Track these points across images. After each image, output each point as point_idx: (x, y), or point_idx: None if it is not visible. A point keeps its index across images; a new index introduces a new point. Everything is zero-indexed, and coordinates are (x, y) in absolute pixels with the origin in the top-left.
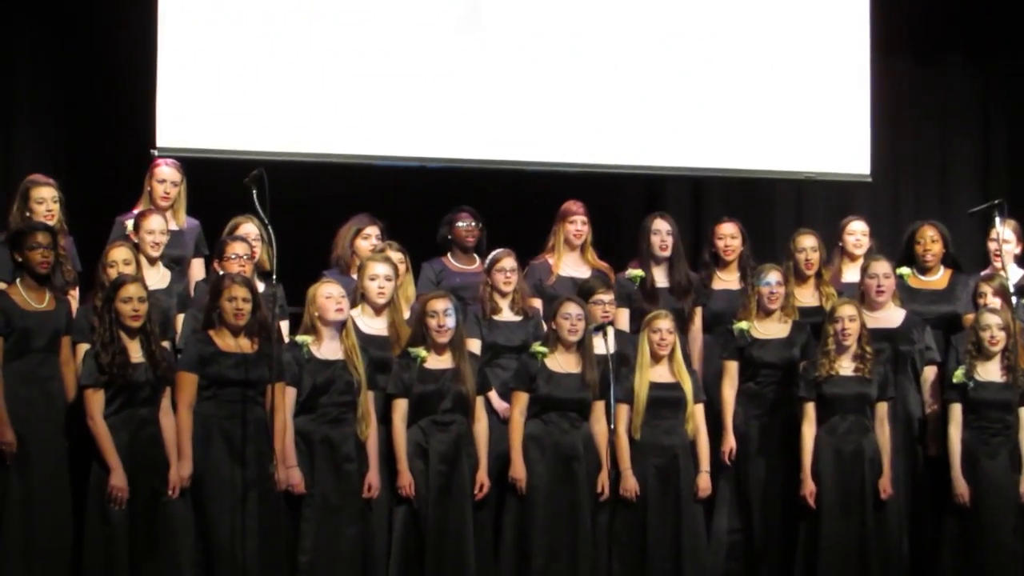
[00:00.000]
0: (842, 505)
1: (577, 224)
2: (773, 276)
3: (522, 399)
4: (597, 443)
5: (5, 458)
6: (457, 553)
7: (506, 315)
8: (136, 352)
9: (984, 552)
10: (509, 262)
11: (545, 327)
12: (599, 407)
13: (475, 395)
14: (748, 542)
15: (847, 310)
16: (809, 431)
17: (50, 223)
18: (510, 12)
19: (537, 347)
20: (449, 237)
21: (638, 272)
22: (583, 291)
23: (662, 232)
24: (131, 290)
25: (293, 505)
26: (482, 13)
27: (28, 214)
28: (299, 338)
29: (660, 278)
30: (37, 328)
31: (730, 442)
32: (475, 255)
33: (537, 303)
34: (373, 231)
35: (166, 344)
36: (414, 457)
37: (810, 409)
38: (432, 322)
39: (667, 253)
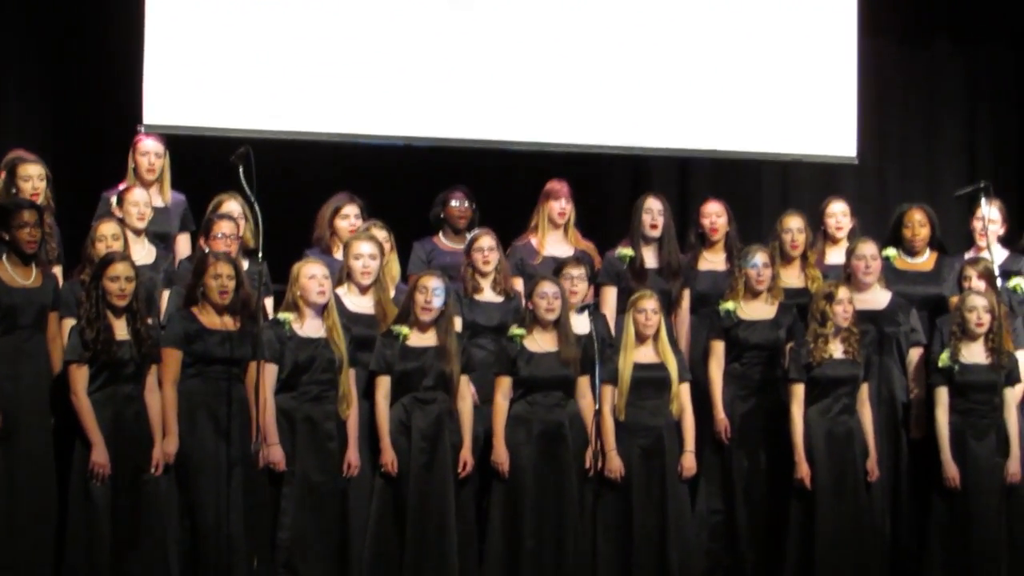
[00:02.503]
0: (835, 486)
1: (561, 203)
2: (760, 257)
3: (504, 383)
4: (584, 418)
5: None
6: (438, 530)
7: (487, 295)
8: (121, 329)
9: (970, 532)
10: (487, 241)
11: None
12: (583, 382)
13: (459, 373)
14: (730, 523)
15: (845, 292)
16: (799, 413)
17: (36, 200)
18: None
19: (515, 330)
20: (442, 216)
21: (628, 251)
22: (556, 268)
23: (653, 211)
24: (119, 268)
25: (275, 482)
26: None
27: (14, 191)
28: (281, 315)
29: (649, 258)
30: (24, 304)
31: (723, 421)
32: (467, 235)
33: (519, 284)
34: (352, 210)
35: (151, 321)
36: (397, 434)
37: (799, 391)
38: (420, 298)
39: (657, 233)
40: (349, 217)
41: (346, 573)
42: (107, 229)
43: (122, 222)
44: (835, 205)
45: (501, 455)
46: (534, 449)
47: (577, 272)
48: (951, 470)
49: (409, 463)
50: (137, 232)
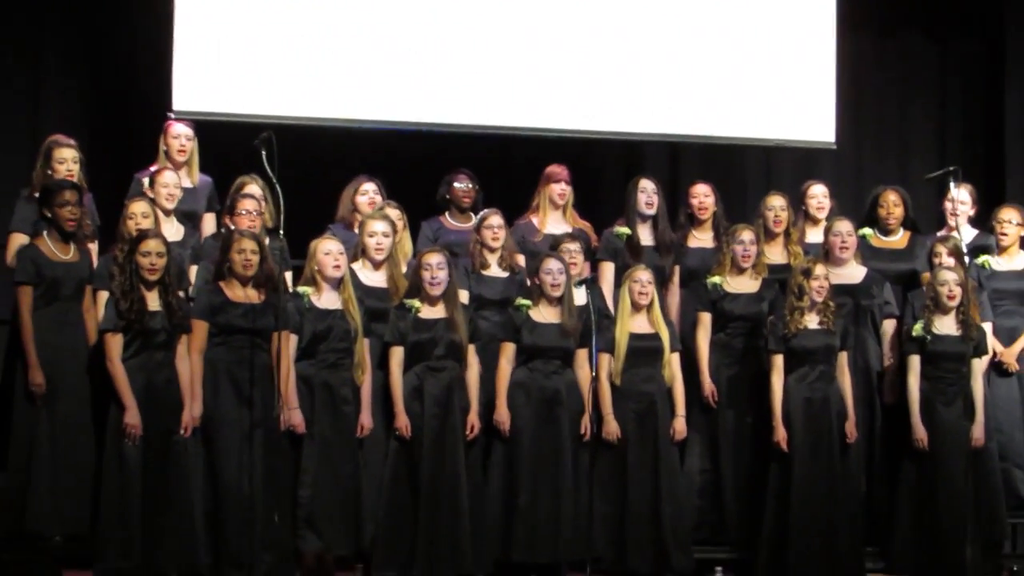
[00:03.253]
0: (811, 449)
1: (561, 185)
2: (746, 235)
3: (509, 349)
4: (580, 387)
5: (36, 398)
6: (451, 489)
7: (494, 270)
8: (153, 301)
9: (938, 492)
10: (496, 220)
11: (528, 282)
12: (582, 354)
13: (467, 343)
14: (716, 481)
15: (821, 268)
16: (779, 382)
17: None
18: None
19: (521, 300)
20: (448, 196)
21: (625, 229)
22: (552, 245)
23: (648, 191)
24: (151, 245)
25: (295, 444)
26: None
27: (50, 172)
28: (300, 289)
29: (645, 236)
30: (65, 278)
31: (709, 386)
32: (471, 214)
33: (520, 259)
34: (370, 187)
35: (181, 294)
36: (411, 400)
37: (779, 361)
38: (426, 274)
39: (652, 211)
40: (368, 193)
41: (360, 528)
42: (138, 208)
43: (153, 202)
44: (816, 188)
45: (503, 415)
46: (532, 412)
47: (574, 247)
48: (920, 432)
49: (423, 427)
50: (167, 212)
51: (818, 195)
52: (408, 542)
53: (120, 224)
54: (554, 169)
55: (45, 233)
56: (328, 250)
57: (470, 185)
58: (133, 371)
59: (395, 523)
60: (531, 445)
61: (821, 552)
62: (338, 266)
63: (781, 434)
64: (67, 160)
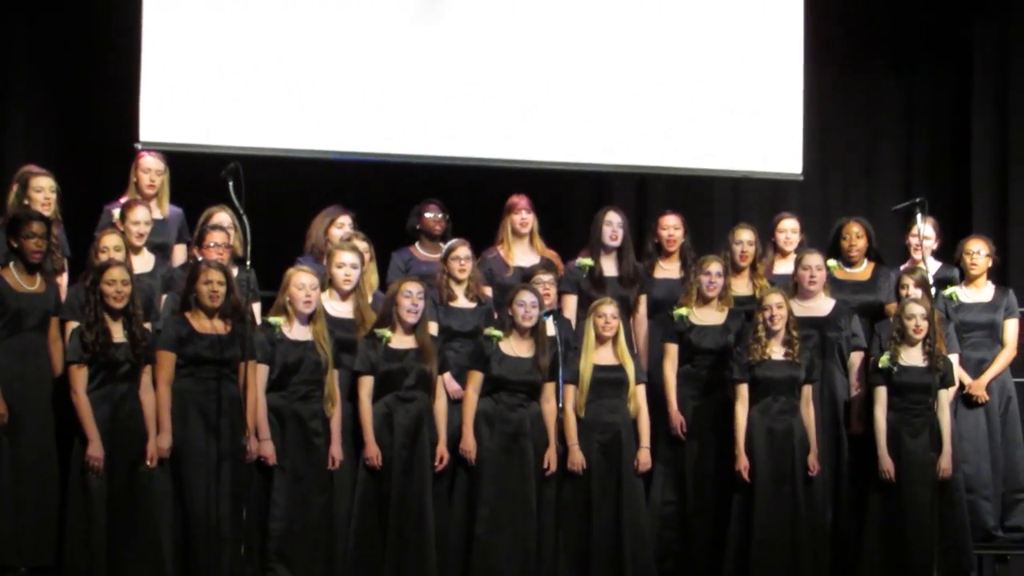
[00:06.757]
0: (774, 480)
1: (522, 215)
2: (714, 267)
3: (476, 378)
4: (546, 421)
5: None
6: (418, 520)
7: (461, 302)
8: (118, 332)
9: (905, 524)
10: (464, 251)
11: (495, 314)
12: (549, 388)
13: (437, 373)
14: (682, 513)
15: (774, 298)
16: (742, 411)
17: (46, 212)
18: (466, 25)
19: (492, 331)
20: (418, 227)
21: (587, 261)
22: (525, 276)
23: (614, 224)
24: (114, 273)
25: (266, 475)
26: (441, 27)
27: (26, 202)
28: (272, 319)
29: (608, 267)
30: (29, 309)
31: (678, 417)
32: (441, 244)
33: (487, 291)
34: (346, 220)
35: (148, 325)
36: (381, 430)
37: (743, 390)
38: (406, 302)
39: (617, 243)
40: (344, 227)
41: (332, 560)
42: (109, 241)
43: (123, 234)
44: (787, 222)
45: (469, 443)
46: (496, 444)
47: (547, 278)
48: (887, 463)
49: (392, 457)
50: (135, 249)
51: (787, 229)
52: (376, 572)
53: (91, 256)
54: (514, 199)
55: (12, 264)
56: (301, 284)
57: (441, 215)
58: (97, 402)
59: (364, 552)
60: (494, 477)
61: None
62: (308, 301)
63: (743, 463)
64: (44, 189)
